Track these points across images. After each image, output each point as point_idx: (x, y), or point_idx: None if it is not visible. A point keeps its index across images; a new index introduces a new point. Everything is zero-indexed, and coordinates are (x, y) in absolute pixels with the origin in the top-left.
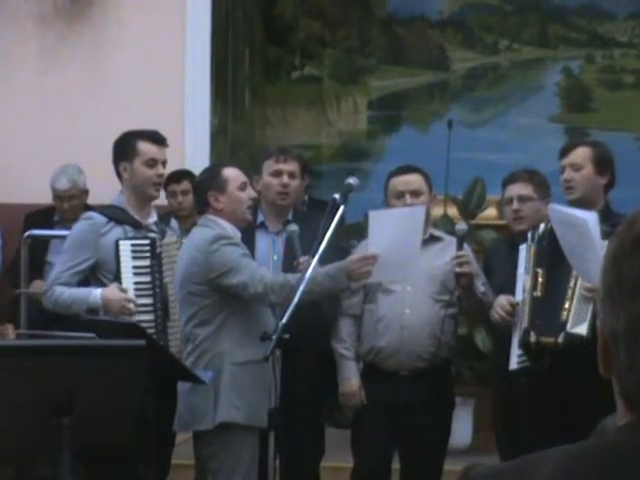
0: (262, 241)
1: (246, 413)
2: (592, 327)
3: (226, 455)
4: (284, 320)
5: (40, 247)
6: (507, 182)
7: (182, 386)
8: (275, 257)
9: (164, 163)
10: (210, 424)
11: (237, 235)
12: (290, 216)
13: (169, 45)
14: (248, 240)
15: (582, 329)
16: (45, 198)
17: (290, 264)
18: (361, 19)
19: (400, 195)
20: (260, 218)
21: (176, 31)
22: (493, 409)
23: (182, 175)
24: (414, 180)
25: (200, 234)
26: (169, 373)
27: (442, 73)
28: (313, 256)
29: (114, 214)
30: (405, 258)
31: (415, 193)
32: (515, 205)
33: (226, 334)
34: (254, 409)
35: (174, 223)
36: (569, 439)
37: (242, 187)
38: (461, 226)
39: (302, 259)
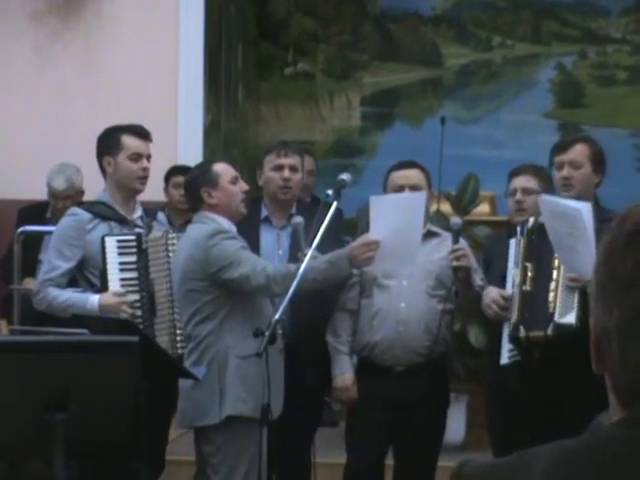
0: (267, 236)
1: (252, 405)
2: (580, 316)
3: (228, 451)
4: (277, 316)
5: (33, 244)
6: (513, 174)
7: (184, 382)
8: (280, 252)
9: (148, 157)
10: (216, 419)
11: (233, 229)
12: (294, 210)
13: (162, 42)
14: (253, 235)
15: (570, 318)
16: (39, 194)
17: (296, 258)
18: (354, 15)
19: (399, 189)
20: (264, 213)
21: (169, 27)
22: (486, 405)
23: (189, 169)
24: (414, 175)
25: (197, 230)
26: (161, 369)
27: (435, 69)
28: (306, 254)
29: (99, 210)
30: (407, 244)
31: (414, 188)
32: (518, 196)
33: (229, 328)
34: (259, 401)
35: (161, 216)
36: (562, 435)
37: (233, 181)
38: (456, 220)
39: (307, 251)
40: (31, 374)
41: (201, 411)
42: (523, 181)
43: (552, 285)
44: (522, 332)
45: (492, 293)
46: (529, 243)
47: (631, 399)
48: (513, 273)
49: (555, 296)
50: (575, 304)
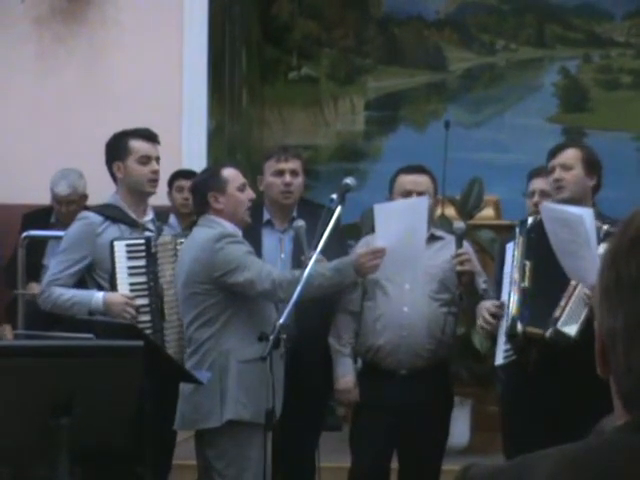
0: (269, 239)
1: (253, 410)
2: (582, 331)
3: (233, 455)
4: (281, 321)
5: (37, 249)
6: (532, 175)
7: (185, 385)
8: (283, 255)
9: (157, 159)
10: (218, 422)
11: (238, 233)
12: (295, 213)
13: (166, 46)
14: (255, 239)
15: (572, 330)
16: (43, 199)
17: (298, 261)
18: (358, 19)
19: (407, 194)
20: (266, 217)
21: (173, 32)
22: (500, 409)
23: (192, 173)
24: (423, 182)
25: (203, 233)
26: (166, 374)
27: (439, 73)
28: (311, 258)
29: (110, 213)
30: (411, 249)
31: (422, 195)
32: (536, 198)
33: (231, 332)
34: (260, 406)
35: (173, 220)
36: (566, 439)
37: (241, 188)
38: (459, 225)
39: (310, 254)
40: (35, 379)
41: (202, 414)
42: (541, 183)
43: (569, 290)
44: (520, 327)
45: (485, 304)
46: (528, 241)
47: (636, 403)
48: (510, 275)
49: (567, 302)
50: (581, 318)
